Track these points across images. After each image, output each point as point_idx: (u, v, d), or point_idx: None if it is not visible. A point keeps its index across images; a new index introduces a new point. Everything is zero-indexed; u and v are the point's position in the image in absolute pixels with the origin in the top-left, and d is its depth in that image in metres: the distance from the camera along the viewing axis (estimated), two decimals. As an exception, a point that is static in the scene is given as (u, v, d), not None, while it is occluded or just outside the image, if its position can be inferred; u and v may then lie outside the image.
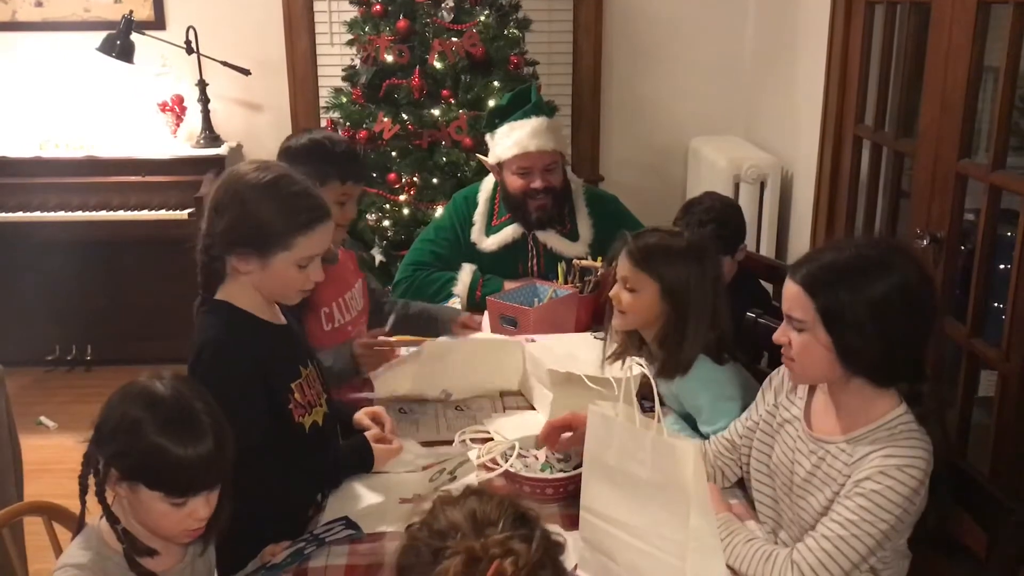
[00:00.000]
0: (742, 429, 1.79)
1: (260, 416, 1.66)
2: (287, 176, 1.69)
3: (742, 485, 1.82)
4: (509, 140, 2.72)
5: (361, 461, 1.81)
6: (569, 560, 1.56)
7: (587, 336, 2.36)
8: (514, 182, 2.76)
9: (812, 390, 1.65)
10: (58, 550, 1.64)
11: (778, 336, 1.59)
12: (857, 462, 1.49)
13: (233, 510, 1.46)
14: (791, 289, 1.54)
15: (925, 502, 1.50)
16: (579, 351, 2.20)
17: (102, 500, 1.39)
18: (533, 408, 2.17)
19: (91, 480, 1.38)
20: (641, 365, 1.55)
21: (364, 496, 1.80)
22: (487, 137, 2.85)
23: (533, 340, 2.26)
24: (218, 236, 1.65)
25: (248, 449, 1.56)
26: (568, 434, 1.83)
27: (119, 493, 1.38)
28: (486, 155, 2.86)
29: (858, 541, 1.44)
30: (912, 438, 1.48)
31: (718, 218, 2.54)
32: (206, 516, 1.39)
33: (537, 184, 2.73)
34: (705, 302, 1.93)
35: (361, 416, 1.94)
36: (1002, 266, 2.29)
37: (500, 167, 2.78)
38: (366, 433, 1.86)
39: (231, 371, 1.63)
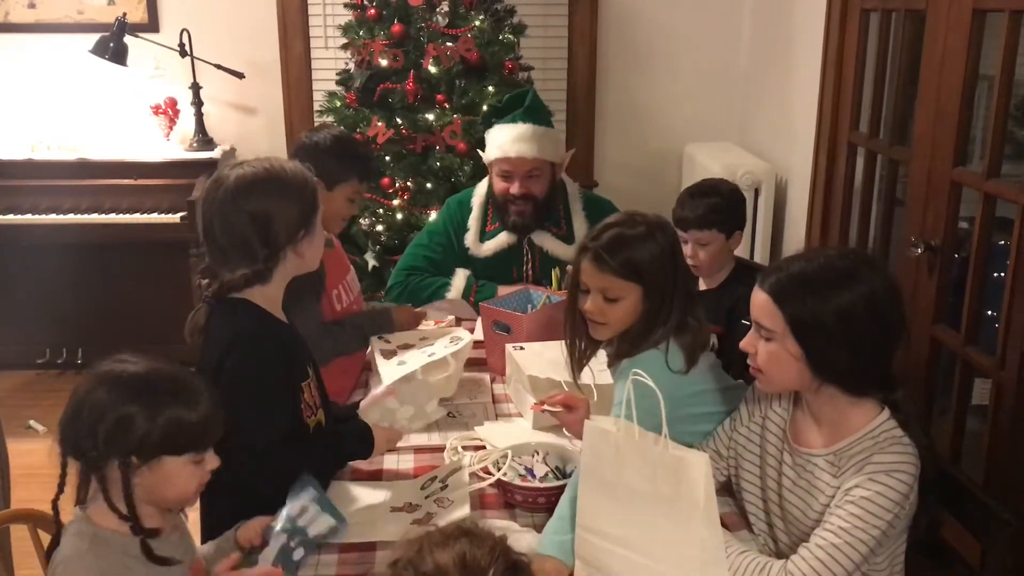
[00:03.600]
0: (727, 439, 1.79)
1: (288, 410, 1.67)
2: (283, 164, 1.73)
3: (732, 495, 1.81)
4: (494, 142, 2.73)
5: (362, 445, 1.81)
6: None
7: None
8: (497, 184, 2.78)
9: (796, 402, 1.65)
10: (43, 557, 1.62)
11: (745, 344, 1.59)
12: (844, 473, 1.51)
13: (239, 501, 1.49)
14: (760, 297, 1.55)
15: (915, 507, 1.51)
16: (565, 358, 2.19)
17: (128, 499, 1.33)
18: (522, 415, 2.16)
19: (109, 483, 1.35)
20: (643, 376, 1.55)
21: (356, 504, 1.78)
22: (485, 135, 2.85)
23: (522, 348, 2.25)
24: (283, 232, 1.65)
25: (267, 444, 1.58)
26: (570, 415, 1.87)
27: (135, 483, 1.35)
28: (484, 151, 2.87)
29: (851, 548, 1.44)
30: (897, 443, 1.49)
31: (717, 191, 2.50)
32: (216, 466, 1.42)
33: (515, 190, 2.73)
34: (677, 277, 1.80)
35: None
36: (996, 274, 2.28)
37: (490, 166, 2.80)
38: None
39: (265, 364, 1.64)
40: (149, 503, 1.38)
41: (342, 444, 1.82)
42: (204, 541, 1.75)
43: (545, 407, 1.97)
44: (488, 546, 1.00)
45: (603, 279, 1.78)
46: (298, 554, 1.51)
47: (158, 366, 1.39)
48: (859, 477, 1.47)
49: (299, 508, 1.54)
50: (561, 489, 1.74)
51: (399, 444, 1.96)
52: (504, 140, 2.70)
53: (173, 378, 1.38)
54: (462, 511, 1.67)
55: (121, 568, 1.33)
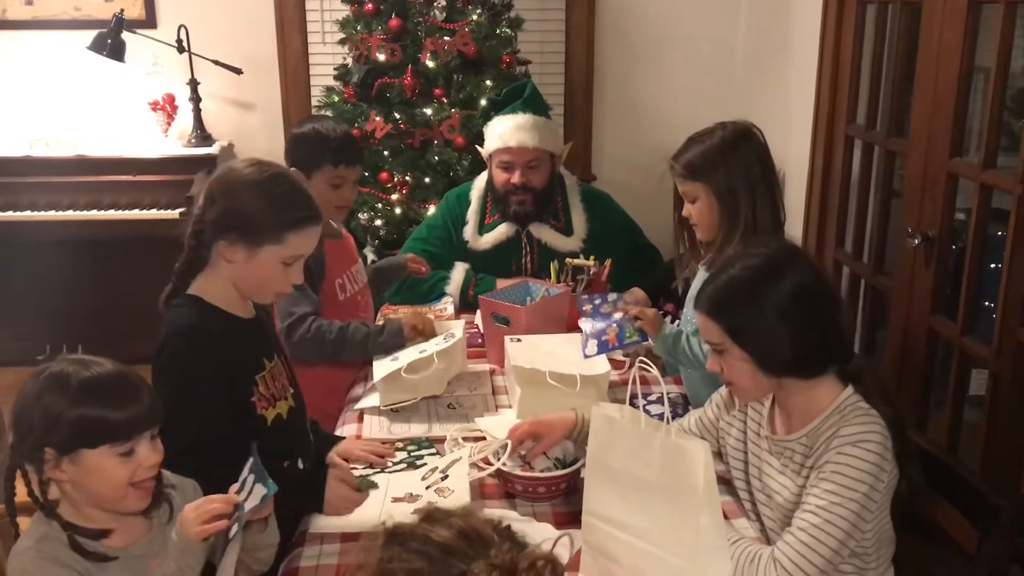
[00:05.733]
0: (714, 430, 1.84)
1: (221, 408, 1.67)
2: (283, 175, 1.74)
3: (729, 483, 1.82)
4: (494, 133, 2.74)
5: (312, 499, 1.74)
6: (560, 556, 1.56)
7: (575, 336, 2.35)
8: (498, 176, 2.79)
9: (772, 399, 1.68)
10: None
11: (710, 366, 1.64)
12: (816, 450, 1.54)
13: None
14: (699, 318, 1.61)
15: (895, 478, 1.53)
16: (561, 350, 2.19)
17: (43, 492, 1.38)
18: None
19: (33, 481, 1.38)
20: (648, 366, 1.57)
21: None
22: (484, 129, 2.87)
23: (519, 340, 2.25)
24: (210, 223, 1.68)
25: (207, 440, 1.59)
26: (532, 444, 1.82)
27: (61, 478, 1.37)
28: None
29: (832, 526, 1.46)
30: (864, 415, 1.52)
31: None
32: (156, 461, 1.41)
33: (516, 180, 2.74)
34: (755, 186, 2.05)
35: (333, 458, 1.90)
36: (993, 265, 2.29)
37: (490, 159, 2.81)
38: (331, 472, 1.79)
39: (194, 362, 1.65)
40: (91, 505, 1.40)
41: (298, 489, 1.74)
42: None
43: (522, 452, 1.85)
44: (481, 520, 0.99)
45: (680, 183, 2.13)
46: (233, 531, 1.40)
47: (93, 364, 1.40)
48: (828, 453, 1.50)
49: (240, 482, 1.45)
50: (562, 478, 1.75)
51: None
52: (504, 130, 2.72)
53: (101, 375, 1.38)
54: (462, 501, 1.68)
55: (61, 566, 1.36)
